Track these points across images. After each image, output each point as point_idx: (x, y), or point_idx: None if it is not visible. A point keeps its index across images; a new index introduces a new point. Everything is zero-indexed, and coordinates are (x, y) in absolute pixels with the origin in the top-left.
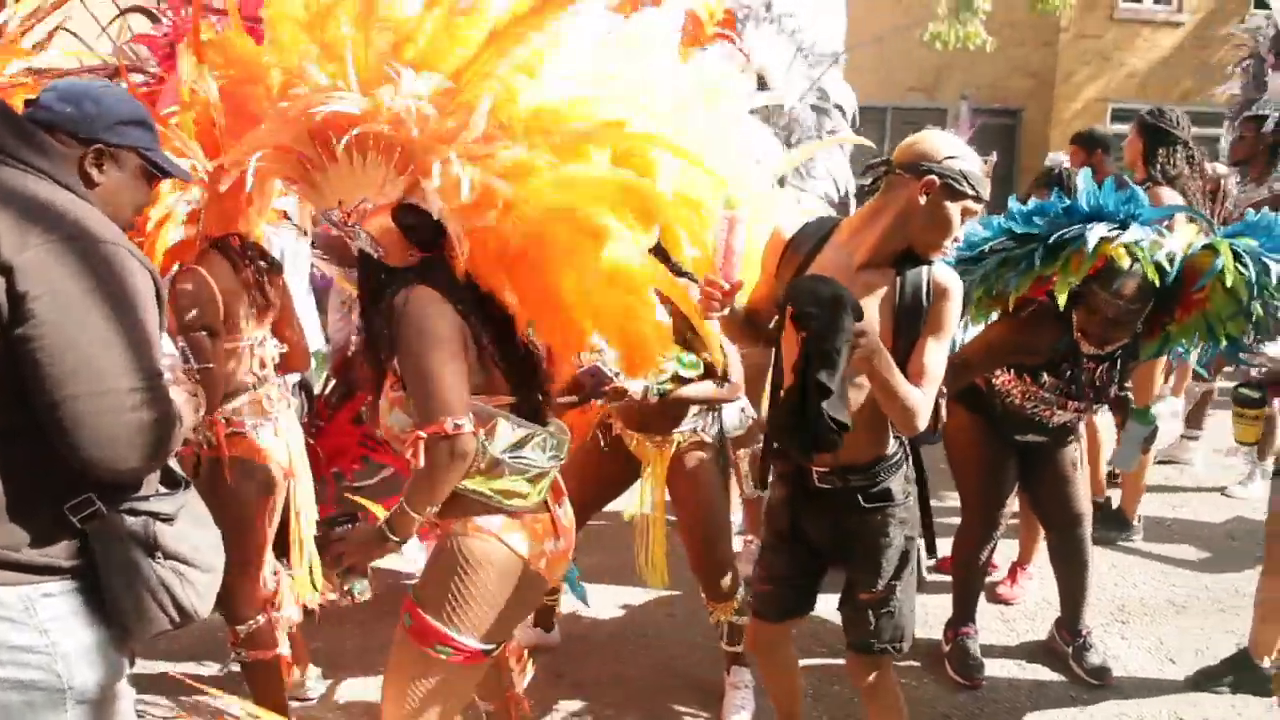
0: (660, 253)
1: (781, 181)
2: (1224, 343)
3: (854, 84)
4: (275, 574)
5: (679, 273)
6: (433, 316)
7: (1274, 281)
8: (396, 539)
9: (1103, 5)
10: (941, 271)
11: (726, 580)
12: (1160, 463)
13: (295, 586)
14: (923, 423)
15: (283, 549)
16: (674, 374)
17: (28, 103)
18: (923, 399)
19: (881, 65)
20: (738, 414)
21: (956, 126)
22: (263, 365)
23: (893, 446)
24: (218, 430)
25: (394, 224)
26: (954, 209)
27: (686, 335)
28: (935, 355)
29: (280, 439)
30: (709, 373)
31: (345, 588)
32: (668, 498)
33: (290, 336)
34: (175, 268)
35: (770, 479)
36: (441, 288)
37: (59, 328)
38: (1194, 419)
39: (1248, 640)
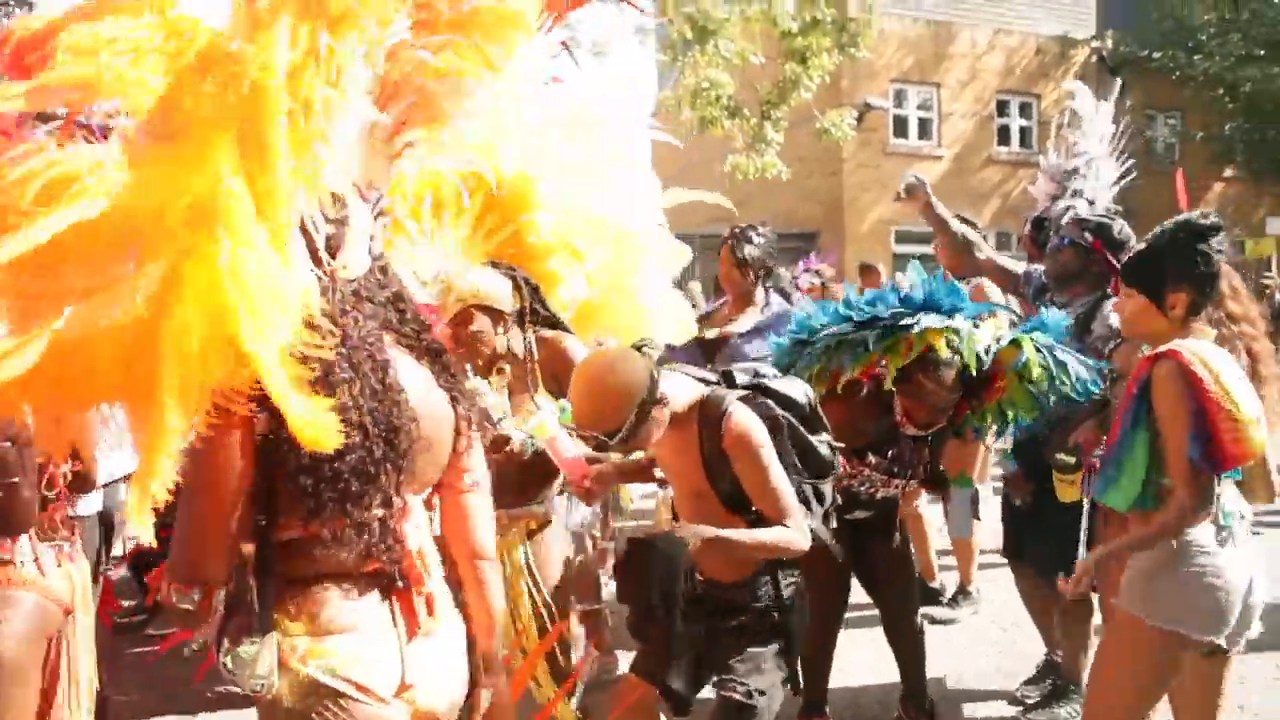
0: (536, 296)
1: None
2: (1012, 424)
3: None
4: None
5: (553, 323)
6: None
7: (1071, 374)
8: None
9: (876, 141)
10: (728, 425)
11: (567, 657)
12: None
13: None
14: (799, 543)
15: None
16: (542, 425)
17: None
18: (783, 532)
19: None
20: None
21: None
22: (52, 484)
23: (756, 570)
24: None
25: None
26: None
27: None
28: (770, 492)
29: (63, 569)
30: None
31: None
32: None
33: (85, 455)
34: None
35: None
36: None
37: None
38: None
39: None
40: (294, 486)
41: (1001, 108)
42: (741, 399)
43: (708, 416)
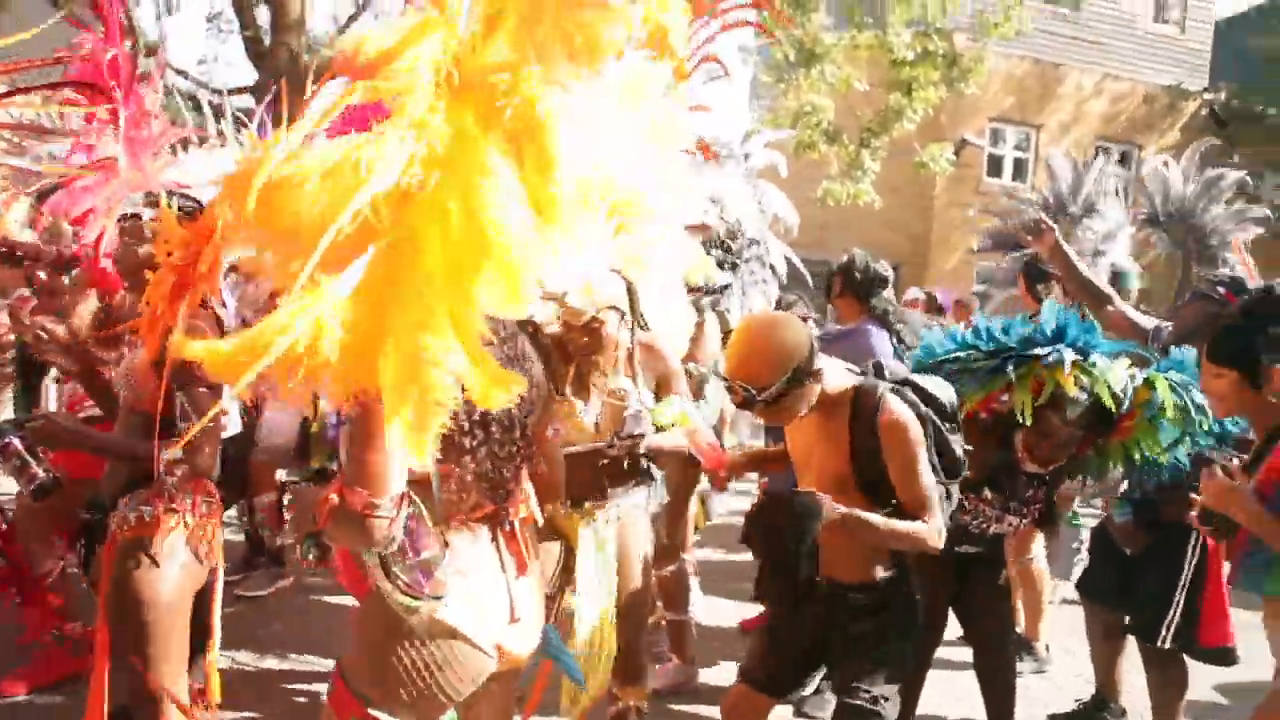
0: (635, 295)
1: None
2: (1139, 466)
3: None
4: None
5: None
6: None
7: (1210, 414)
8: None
9: (970, 178)
10: (884, 413)
11: (643, 661)
12: None
13: None
14: (933, 542)
15: None
16: (684, 414)
17: None
18: (921, 527)
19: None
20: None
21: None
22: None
23: (882, 574)
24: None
25: None
26: None
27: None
28: (917, 487)
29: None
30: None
31: (300, 547)
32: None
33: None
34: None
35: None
36: None
37: None
38: None
39: None
40: (452, 424)
41: (1099, 156)
42: (892, 391)
43: (862, 404)
